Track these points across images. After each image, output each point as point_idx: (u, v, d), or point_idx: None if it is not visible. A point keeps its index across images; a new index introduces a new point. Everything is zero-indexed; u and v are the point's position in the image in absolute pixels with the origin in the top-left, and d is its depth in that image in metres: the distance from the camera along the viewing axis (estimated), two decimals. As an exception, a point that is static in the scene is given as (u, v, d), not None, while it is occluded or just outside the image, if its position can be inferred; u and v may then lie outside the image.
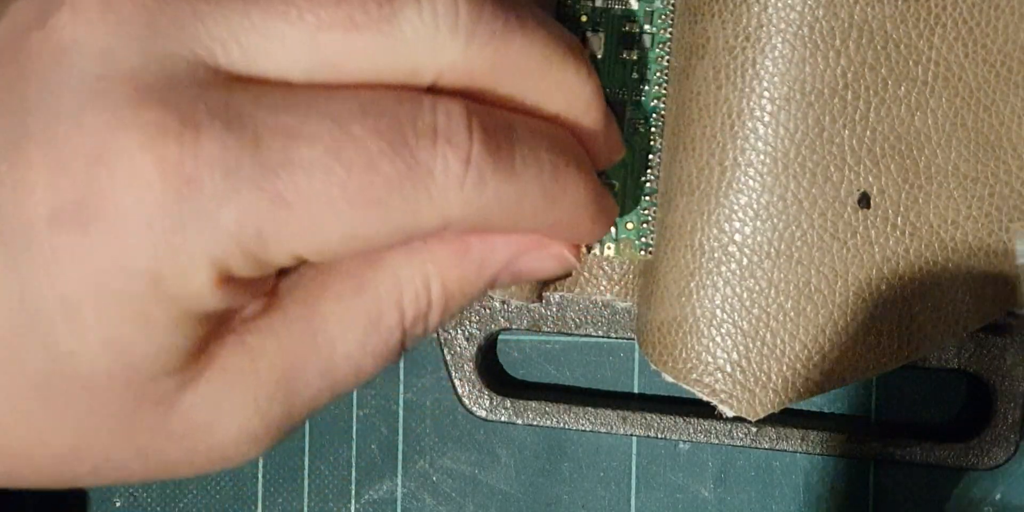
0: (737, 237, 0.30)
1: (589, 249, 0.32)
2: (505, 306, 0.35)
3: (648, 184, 0.32)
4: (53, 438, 0.23)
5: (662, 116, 0.32)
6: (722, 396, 0.31)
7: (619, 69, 0.32)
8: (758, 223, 0.30)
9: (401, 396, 0.38)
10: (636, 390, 0.37)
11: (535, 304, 0.35)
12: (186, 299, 0.22)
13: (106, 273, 0.21)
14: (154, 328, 0.22)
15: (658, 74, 0.32)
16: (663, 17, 0.31)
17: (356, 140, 0.22)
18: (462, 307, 0.26)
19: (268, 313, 0.24)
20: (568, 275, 0.27)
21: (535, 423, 0.35)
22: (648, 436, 0.35)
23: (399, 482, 0.38)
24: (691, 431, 0.35)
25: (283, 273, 0.25)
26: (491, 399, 0.35)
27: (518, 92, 0.25)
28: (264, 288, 0.24)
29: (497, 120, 0.24)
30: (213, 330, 0.23)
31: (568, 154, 0.25)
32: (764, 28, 0.29)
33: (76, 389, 0.22)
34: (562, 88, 0.25)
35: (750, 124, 0.30)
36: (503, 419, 0.35)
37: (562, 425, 0.35)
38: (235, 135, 0.21)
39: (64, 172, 0.21)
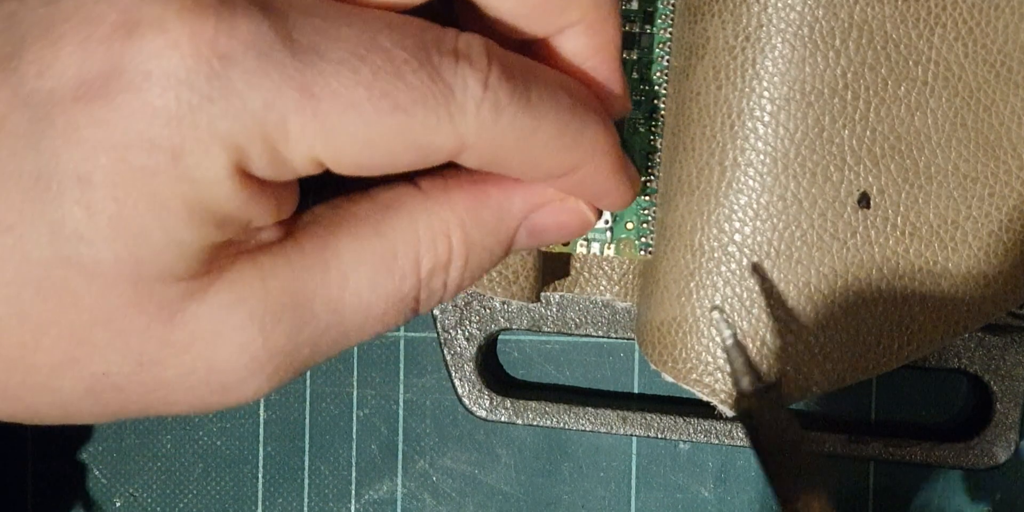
0: (737, 237, 0.30)
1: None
2: (505, 306, 0.35)
3: (648, 184, 0.32)
4: (50, 340, 0.23)
5: (662, 116, 0.32)
6: (722, 396, 0.31)
7: (619, 69, 0.32)
8: (758, 223, 0.30)
9: (401, 396, 0.38)
10: (636, 390, 0.37)
11: (535, 304, 0.35)
12: (202, 185, 0.21)
13: (126, 146, 0.21)
14: (166, 215, 0.22)
15: (658, 74, 0.32)
16: (663, 17, 0.31)
17: (383, 49, 0.22)
18: (483, 267, 0.26)
19: (283, 242, 0.24)
20: (588, 229, 0.28)
21: (535, 423, 0.35)
22: (648, 436, 0.35)
23: (399, 482, 0.38)
24: (691, 431, 0.35)
25: (300, 215, 0.25)
26: (491, 399, 0.35)
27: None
28: (279, 207, 0.24)
29: (514, 58, 0.24)
30: (226, 245, 0.23)
31: (587, 99, 0.25)
32: (764, 28, 0.29)
33: (79, 281, 0.22)
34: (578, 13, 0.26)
35: (750, 124, 0.30)
36: (503, 419, 0.35)
37: (562, 425, 0.35)
38: (270, 21, 0.21)
39: (94, 45, 0.21)
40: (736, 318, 0.30)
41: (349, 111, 0.22)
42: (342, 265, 0.24)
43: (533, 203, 0.26)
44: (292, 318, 0.24)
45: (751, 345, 0.30)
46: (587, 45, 0.26)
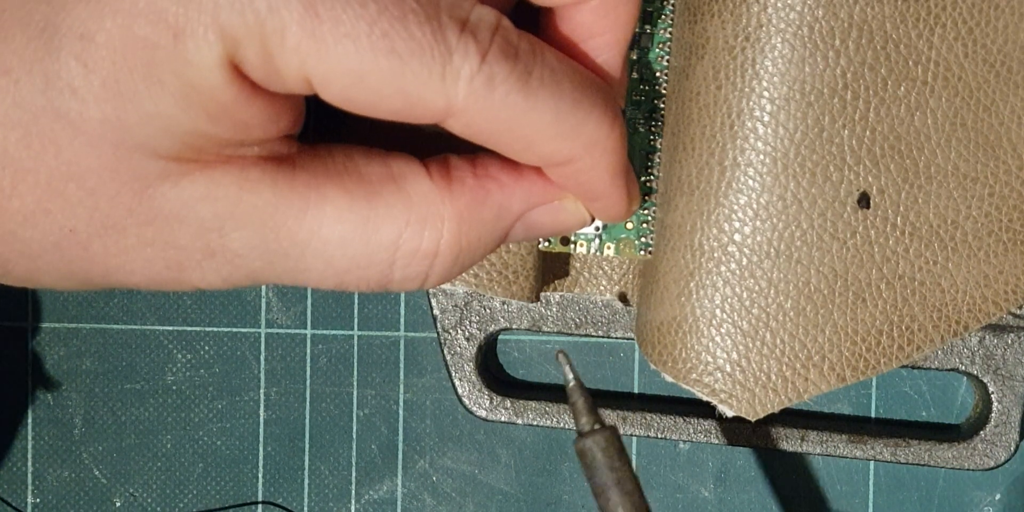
0: (737, 237, 0.30)
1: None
2: (505, 306, 0.35)
3: (648, 184, 0.32)
4: (26, 187, 0.23)
5: (662, 116, 0.32)
6: (722, 396, 0.31)
7: (619, 69, 0.32)
8: (758, 223, 0.30)
9: (401, 396, 0.38)
10: (636, 390, 0.37)
11: (535, 304, 0.35)
12: (196, 69, 0.22)
13: (134, 13, 0.22)
14: (159, 89, 0.22)
15: (658, 74, 0.32)
16: (663, 17, 0.31)
17: None
18: (474, 259, 0.26)
19: (280, 165, 0.25)
20: (584, 226, 0.28)
21: (535, 423, 0.35)
22: (648, 436, 0.35)
23: (399, 482, 0.38)
24: (691, 431, 0.35)
25: (314, 148, 0.25)
26: (491, 399, 0.35)
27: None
28: (277, 118, 0.24)
29: (525, 39, 0.24)
30: (220, 143, 0.23)
31: (596, 95, 0.25)
32: (764, 28, 0.29)
33: (63, 134, 0.23)
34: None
35: (750, 124, 0.30)
36: (503, 419, 0.35)
37: (562, 425, 0.35)
38: None
39: None
40: (736, 318, 0.30)
41: (346, 41, 0.22)
42: (322, 214, 0.25)
43: (533, 202, 0.26)
44: (252, 233, 0.24)
45: (751, 345, 0.30)
46: (596, 23, 0.26)
